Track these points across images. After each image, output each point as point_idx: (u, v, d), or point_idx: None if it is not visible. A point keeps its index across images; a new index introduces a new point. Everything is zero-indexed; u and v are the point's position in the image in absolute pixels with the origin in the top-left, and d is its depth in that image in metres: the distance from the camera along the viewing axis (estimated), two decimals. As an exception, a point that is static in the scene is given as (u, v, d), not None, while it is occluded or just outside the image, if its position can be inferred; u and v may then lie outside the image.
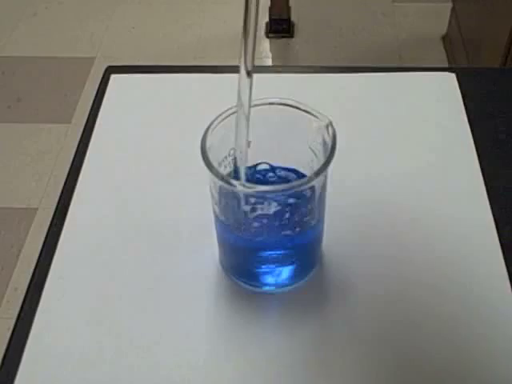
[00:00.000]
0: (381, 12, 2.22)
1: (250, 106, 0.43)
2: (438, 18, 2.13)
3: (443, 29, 2.08)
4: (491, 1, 1.64)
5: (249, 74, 0.41)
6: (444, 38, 2.09)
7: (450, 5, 2.00)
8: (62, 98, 1.97)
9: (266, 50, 2.14)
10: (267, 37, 2.17)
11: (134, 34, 2.22)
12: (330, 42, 2.10)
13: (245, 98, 0.42)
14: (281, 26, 2.15)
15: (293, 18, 2.17)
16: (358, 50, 2.08)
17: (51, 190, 1.69)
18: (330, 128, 0.44)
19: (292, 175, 0.49)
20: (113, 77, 0.69)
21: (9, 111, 1.93)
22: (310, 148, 0.47)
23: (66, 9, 2.34)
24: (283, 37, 2.16)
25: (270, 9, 2.14)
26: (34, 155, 1.80)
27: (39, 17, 2.30)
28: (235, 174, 0.45)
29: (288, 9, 2.13)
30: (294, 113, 0.47)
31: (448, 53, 2.03)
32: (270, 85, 0.67)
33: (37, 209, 1.65)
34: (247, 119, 0.43)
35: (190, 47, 2.14)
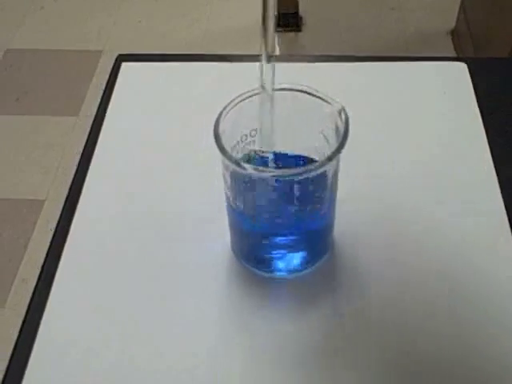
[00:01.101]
0: (389, 6, 2.22)
1: (273, 91, 0.44)
2: (446, 13, 2.13)
3: (451, 23, 2.08)
4: (499, -5, 1.64)
5: (270, 59, 0.42)
6: (452, 33, 2.08)
7: (458, -1, 2.00)
8: (69, 91, 1.97)
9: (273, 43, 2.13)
10: (275, 30, 2.17)
11: (141, 27, 2.22)
12: (337, 35, 2.10)
13: (268, 84, 0.44)
14: (289, 20, 2.15)
15: (301, 12, 2.17)
16: (366, 44, 2.08)
17: (58, 183, 1.70)
18: (342, 113, 0.45)
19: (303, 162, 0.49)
20: (124, 65, 0.69)
21: (16, 104, 1.94)
22: (322, 134, 0.47)
23: (74, 2, 2.34)
24: (291, 30, 2.16)
25: (278, 2, 2.14)
26: (42, 147, 1.80)
27: (46, 10, 2.30)
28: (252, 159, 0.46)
29: (296, 3, 2.13)
30: (306, 99, 0.47)
31: (456, 47, 2.03)
32: (277, 73, 0.67)
33: (44, 201, 1.66)
34: (271, 104, 0.44)
35: (197, 41, 2.14)
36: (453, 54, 2.02)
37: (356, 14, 2.18)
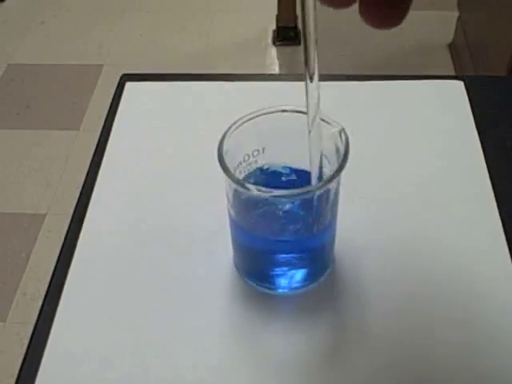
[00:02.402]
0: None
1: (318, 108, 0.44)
2: (444, 26, 2.14)
3: (449, 37, 2.09)
4: (497, 9, 1.66)
5: (311, 78, 0.42)
6: (450, 46, 2.10)
7: (456, 13, 2.01)
8: (70, 105, 1.99)
9: (273, 57, 2.15)
10: (274, 44, 2.19)
11: (142, 41, 2.24)
12: (336, 49, 2.11)
13: (313, 102, 0.43)
14: (288, 34, 2.17)
15: (299, 27, 2.19)
16: (365, 58, 2.09)
17: (60, 196, 1.71)
18: (342, 134, 0.46)
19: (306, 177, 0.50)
20: (128, 85, 0.70)
21: (18, 118, 1.95)
22: (323, 154, 0.48)
23: (74, 17, 2.36)
24: (290, 44, 2.17)
25: (277, 17, 2.16)
26: (43, 161, 1.81)
27: (47, 25, 2.32)
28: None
29: (295, 17, 2.15)
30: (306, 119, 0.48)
31: (454, 60, 2.04)
32: (278, 92, 0.69)
33: (45, 215, 1.67)
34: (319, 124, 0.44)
35: (198, 55, 2.16)
36: (451, 66, 2.03)
37: (355, 27, 2.19)
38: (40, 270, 1.48)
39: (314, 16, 0.38)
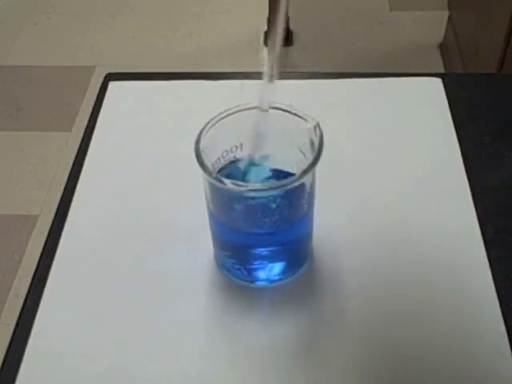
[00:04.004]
0: (378, 20, 2.24)
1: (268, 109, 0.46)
2: (434, 26, 2.15)
3: (440, 37, 2.10)
4: (487, 9, 1.66)
5: (271, 79, 0.43)
6: (441, 46, 2.11)
7: (446, 13, 2.02)
8: (62, 106, 1.99)
9: (264, 58, 2.15)
10: (265, 45, 2.19)
11: (134, 43, 2.25)
12: (327, 50, 2.12)
13: (265, 103, 0.45)
14: (279, 35, 2.17)
15: (291, 27, 2.20)
16: (356, 58, 2.10)
17: (52, 198, 1.71)
18: (317, 129, 0.47)
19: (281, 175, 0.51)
20: (112, 84, 0.71)
21: (10, 119, 1.95)
22: (299, 149, 0.49)
23: (67, 19, 2.36)
24: (282, 45, 2.18)
25: (269, 17, 2.17)
26: (35, 163, 1.82)
27: (40, 27, 2.32)
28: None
29: (286, 17, 2.15)
30: (283, 116, 0.49)
31: (445, 60, 2.05)
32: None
33: (38, 216, 1.67)
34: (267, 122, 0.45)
35: (190, 56, 2.16)
36: (441, 66, 2.04)
37: (346, 28, 2.21)
38: (32, 271, 1.49)
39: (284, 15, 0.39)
